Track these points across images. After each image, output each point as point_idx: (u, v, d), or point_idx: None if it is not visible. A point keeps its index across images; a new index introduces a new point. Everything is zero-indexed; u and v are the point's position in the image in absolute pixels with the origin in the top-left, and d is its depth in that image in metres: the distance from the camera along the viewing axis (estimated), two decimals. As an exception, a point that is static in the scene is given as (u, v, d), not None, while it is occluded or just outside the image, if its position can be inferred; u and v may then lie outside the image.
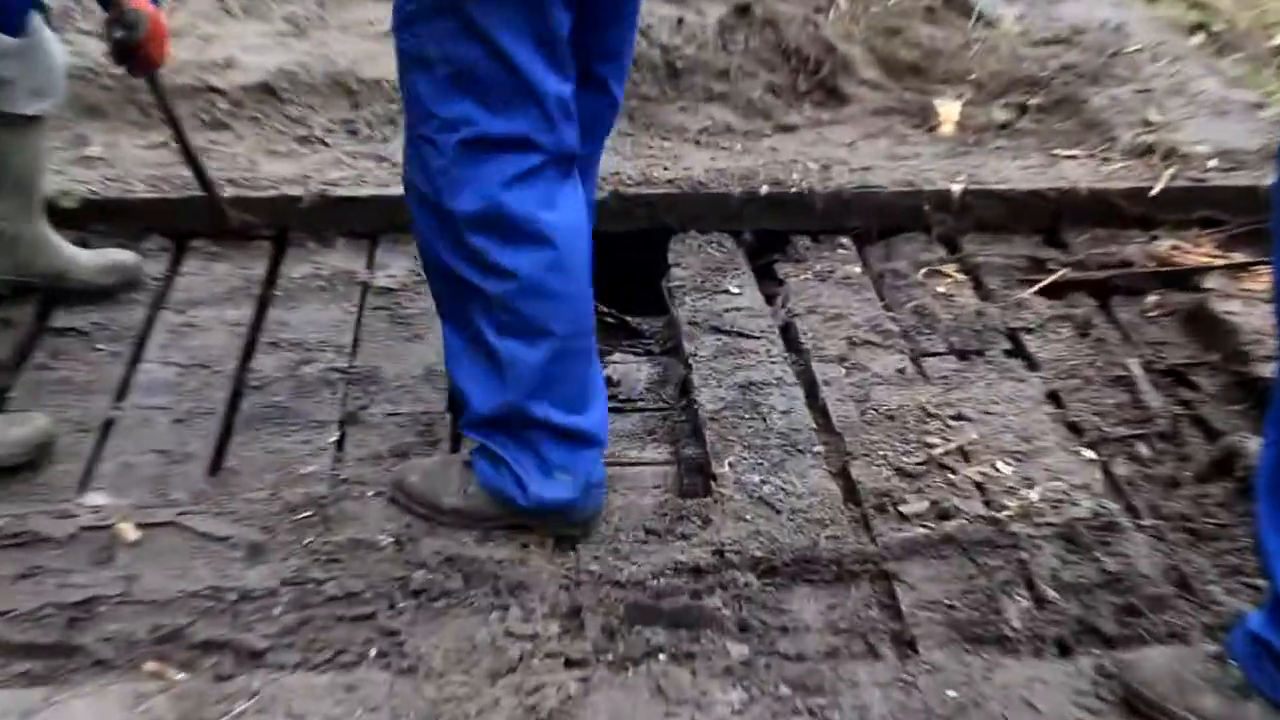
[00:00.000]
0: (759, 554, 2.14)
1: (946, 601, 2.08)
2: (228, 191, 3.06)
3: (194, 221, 3.05)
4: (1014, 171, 3.38)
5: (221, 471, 2.36)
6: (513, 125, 1.92)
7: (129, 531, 2.16)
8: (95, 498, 2.26)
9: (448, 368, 2.16)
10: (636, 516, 2.27)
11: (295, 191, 3.12)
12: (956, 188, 3.26)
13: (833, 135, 3.58)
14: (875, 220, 3.25)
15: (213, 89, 3.55)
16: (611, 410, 2.59)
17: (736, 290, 3.00)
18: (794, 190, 3.22)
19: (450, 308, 2.09)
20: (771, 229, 3.24)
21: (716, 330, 2.82)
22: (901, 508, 2.27)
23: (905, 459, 2.40)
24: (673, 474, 2.45)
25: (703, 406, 2.56)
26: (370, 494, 2.28)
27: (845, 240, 3.23)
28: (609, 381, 2.74)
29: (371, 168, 3.26)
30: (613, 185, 3.19)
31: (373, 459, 2.39)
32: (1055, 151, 3.51)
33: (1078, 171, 3.37)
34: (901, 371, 2.70)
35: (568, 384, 2.10)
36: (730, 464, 2.38)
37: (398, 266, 3.04)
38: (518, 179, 1.95)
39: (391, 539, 2.16)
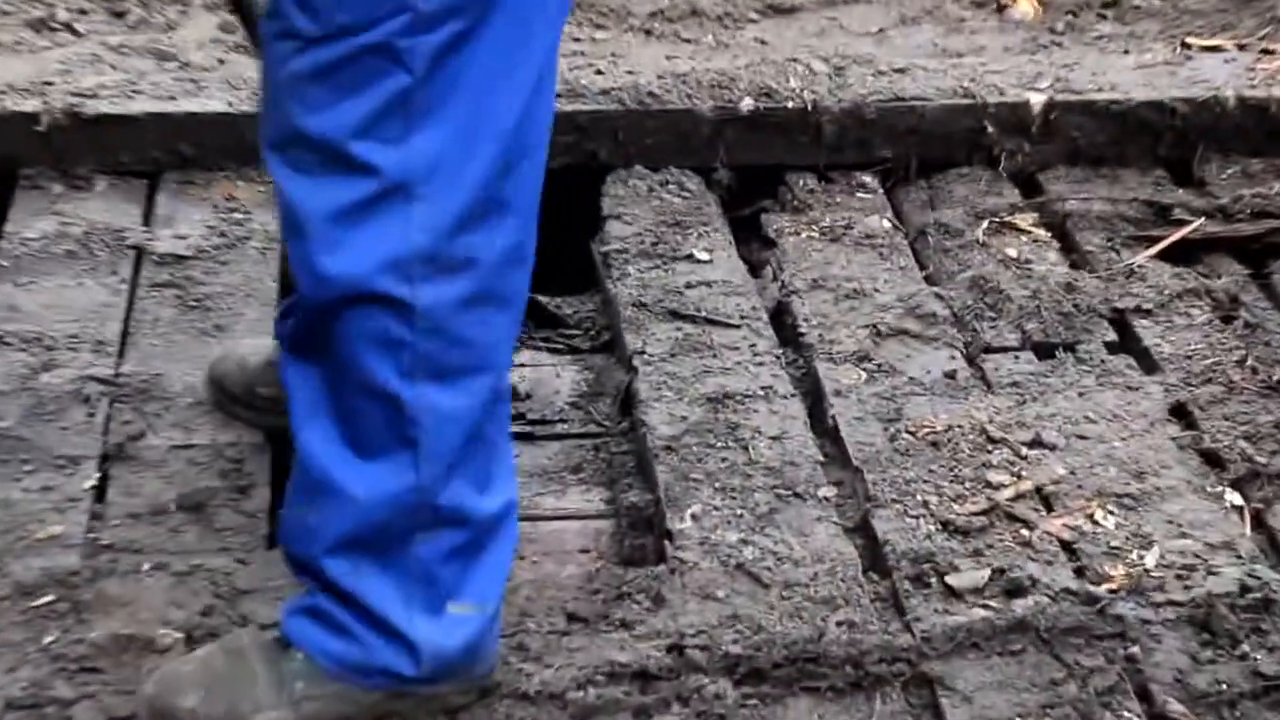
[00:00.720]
0: (737, 650, 2.16)
1: (1019, 719, 2.10)
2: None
3: None
4: (1124, 73, 3.42)
5: (-85, 537, 2.36)
6: None
7: None
8: None
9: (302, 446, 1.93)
10: (553, 595, 2.28)
11: (29, 106, 3.11)
12: (1037, 98, 3.30)
13: (851, 20, 3.63)
14: (914, 149, 3.31)
15: (-107, -58, 3.53)
16: (518, 436, 2.60)
17: (705, 255, 3.03)
18: (792, 104, 3.25)
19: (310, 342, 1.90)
20: (758, 163, 3.29)
21: (675, 315, 2.85)
22: (951, 579, 2.30)
23: (956, 506, 2.44)
24: (609, 531, 2.48)
25: (654, 430, 2.58)
26: (147, 567, 2.28)
27: (868, 179, 3.28)
28: (514, 394, 2.73)
29: (149, 70, 3.26)
30: (518, 97, 3.21)
31: (150, 514, 2.39)
32: (1189, 40, 3.57)
33: (1221, 71, 3.42)
34: (952, 376, 2.74)
35: (487, 447, 1.97)
36: (694, 516, 2.41)
37: (189, 222, 3.04)
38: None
39: (180, 634, 2.15)
